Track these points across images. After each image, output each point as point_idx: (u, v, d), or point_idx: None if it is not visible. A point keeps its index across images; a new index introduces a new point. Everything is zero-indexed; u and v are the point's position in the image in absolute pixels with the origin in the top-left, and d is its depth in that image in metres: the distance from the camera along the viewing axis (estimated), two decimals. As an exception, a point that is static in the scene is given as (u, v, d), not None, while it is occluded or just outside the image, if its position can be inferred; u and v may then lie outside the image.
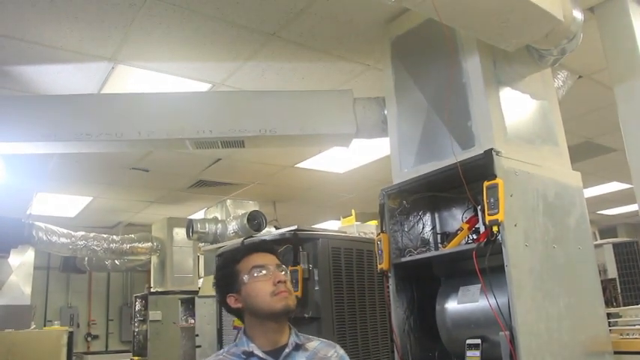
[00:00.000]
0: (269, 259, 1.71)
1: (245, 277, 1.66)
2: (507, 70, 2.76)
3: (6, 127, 3.28)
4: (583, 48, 2.79)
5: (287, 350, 1.63)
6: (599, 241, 6.86)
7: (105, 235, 7.69)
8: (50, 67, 3.71)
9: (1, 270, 7.88)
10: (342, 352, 1.76)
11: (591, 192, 8.15)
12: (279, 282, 1.64)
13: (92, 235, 7.51)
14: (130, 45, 3.46)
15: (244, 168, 6.28)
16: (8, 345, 6.44)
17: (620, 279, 6.03)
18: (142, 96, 3.66)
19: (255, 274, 1.66)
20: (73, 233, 7.27)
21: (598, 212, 10.10)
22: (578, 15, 2.55)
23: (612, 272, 6.39)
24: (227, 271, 1.73)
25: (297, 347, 1.67)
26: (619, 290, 5.89)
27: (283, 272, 1.70)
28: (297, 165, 6.26)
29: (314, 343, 1.73)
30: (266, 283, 1.64)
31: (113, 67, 3.75)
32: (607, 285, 5.95)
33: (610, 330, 2.97)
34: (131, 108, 3.45)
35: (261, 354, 1.61)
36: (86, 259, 8.84)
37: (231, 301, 1.69)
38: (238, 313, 1.71)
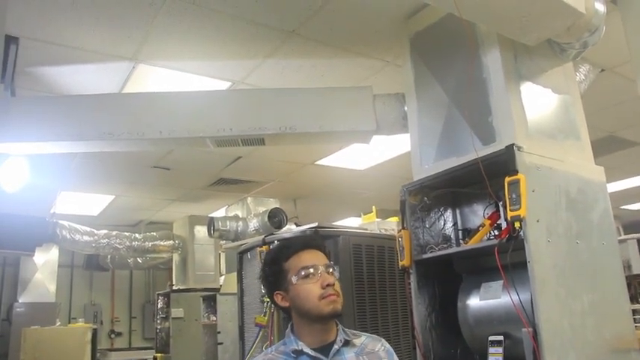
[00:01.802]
0: (318, 259, 1.67)
1: (293, 278, 1.63)
2: (528, 65, 2.74)
3: (29, 128, 3.33)
4: (605, 41, 2.75)
5: (336, 347, 1.63)
6: (624, 237, 6.77)
7: (127, 234, 7.78)
8: (72, 68, 3.77)
9: (27, 268, 8.04)
10: (387, 345, 1.77)
11: (615, 187, 8.04)
12: (327, 285, 1.61)
13: (114, 233, 7.61)
14: (150, 44, 3.50)
15: (264, 166, 6.31)
16: (34, 341, 6.57)
17: (645, 275, 5.95)
18: (163, 95, 3.69)
19: (304, 276, 1.62)
20: (95, 232, 7.37)
21: (622, 207, 9.95)
22: (600, 7, 2.51)
23: (637, 268, 6.30)
24: (275, 268, 1.69)
25: (346, 343, 1.66)
26: (644, 286, 5.81)
27: (331, 271, 1.67)
28: (318, 162, 6.27)
29: (361, 339, 1.73)
30: (314, 285, 1.61)
31: (134, 67, 3.79)
32: (632, 281, 5.88)
33: (636, 327, 2.93)
34: (152, 107, 3.49)
35: (311, 352, 1.60)
36: (109, 257, 8.97)
37: (278, 298, 1.68)
38: (286, 310, 1.70)
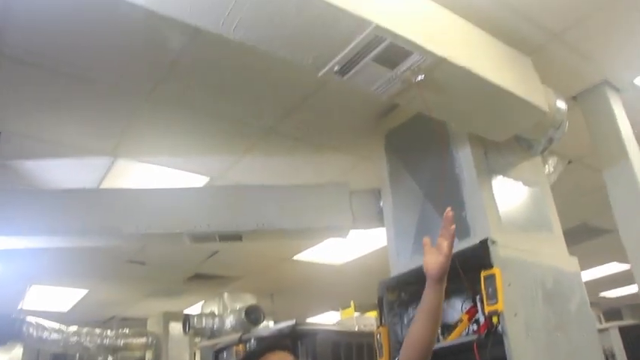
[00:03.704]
0: (284, 358, 1.71)
1: None
2: (498, 160, 2.83)
3: (4, 222, 3.29)
4: (570, 134, 2.87)
5: None
6: (604, 325, 6.73)
7: (98, 331, 7.50)
8: (51, 162, 3.78)
9: (-16, 369, 7.60)
10: None
11: (591, 274, 8.07)
12: None
13: (85, 330, 7.32)
14: (129, 140, 3.54)
15: (241, 261, 6.24)
16: None
17: (630, 364, 5.86)
18: (140, 191, 3.70)
19: None
20: (64, 329, 7.08)
21: (601, 295, 9.95)
22: (561, 105, 2.64)
23: (621, 357, 6.22)
24: None
25: None
26: (630, 376, 5.71)
27: None
28: (295, 257, 6.23)
29: None
30: None
31: (113, 162, 3.81)
32: (617, 370, 5.77)
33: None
34: (129, 203, 3.49)
35: None
36: (77, 354, 8.57)
37: None
38: None
